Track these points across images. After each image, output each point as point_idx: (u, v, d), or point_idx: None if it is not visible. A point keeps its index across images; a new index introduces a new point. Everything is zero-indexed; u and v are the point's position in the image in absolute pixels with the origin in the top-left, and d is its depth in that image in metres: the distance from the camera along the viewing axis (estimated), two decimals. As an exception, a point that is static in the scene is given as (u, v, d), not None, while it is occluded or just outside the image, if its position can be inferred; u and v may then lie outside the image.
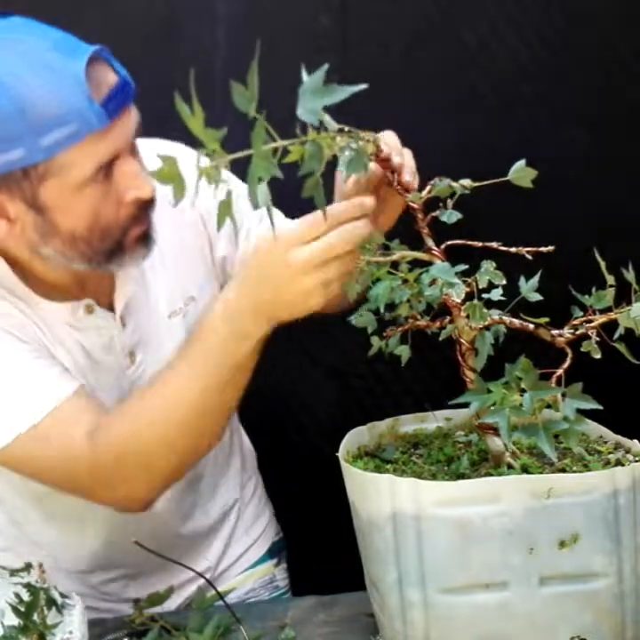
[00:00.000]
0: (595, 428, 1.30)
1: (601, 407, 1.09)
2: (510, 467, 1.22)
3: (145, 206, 1.32)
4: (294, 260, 1.19)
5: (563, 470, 1.21)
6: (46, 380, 1.33)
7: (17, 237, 1.29)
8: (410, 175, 1.27)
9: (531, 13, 2.00)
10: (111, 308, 1.43)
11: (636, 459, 1.22)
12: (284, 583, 1.75)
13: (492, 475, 1.21)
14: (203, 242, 1.51)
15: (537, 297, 1.17)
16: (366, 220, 1.19)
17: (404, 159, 1.28)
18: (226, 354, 1.28)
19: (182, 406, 1.30)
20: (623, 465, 1.19)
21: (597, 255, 1.13)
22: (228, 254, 1.53)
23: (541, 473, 1.20)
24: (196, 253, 1.50)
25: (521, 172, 1.17)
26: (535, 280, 1.18)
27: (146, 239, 1.34)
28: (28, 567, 1.29)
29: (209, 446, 1.40)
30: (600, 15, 2.00)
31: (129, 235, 1.32)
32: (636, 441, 1.25)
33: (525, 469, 1.21)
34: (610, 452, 1.25)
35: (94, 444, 1.31)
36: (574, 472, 1.19)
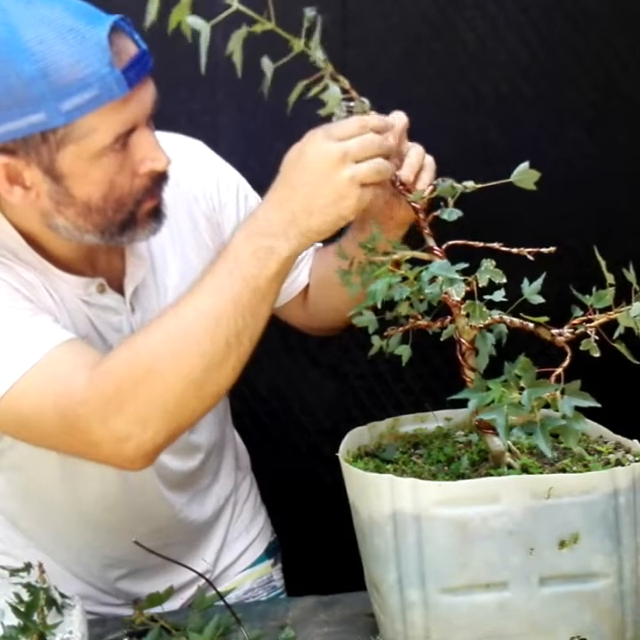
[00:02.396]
0: (595, 428, 1.30)
1: (599, 405, 1.09)
2: (510, 467, 1.22)
3: (158, 179, 1.33)
4: (332, 149, 1.18)
5: (563, 470, 1.21)
6: (47, 328, 1.29)
7: (31, 206, 1.29)
8: (408, 171, 1.27)
9: (531, 13, 2.00)
10: (121, 291, 1.43)
11: (636, 459, 1.22)
12: (280, 583, 1.75)
13: (492, 475, 1.21)
14: (214, 233, 1.52)
15: (539, 299, 1.17)
16: (394, 133, 1.26)
17: (409, 153, 1.28)
18: (249, 274, 1.21)
19: (197, 328, 1.21)
20: (623, 465, 1.19)
21: (598, 254, 1.13)
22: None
23: (541, 473, 1.20)
24: (209, 244, 1.51)
25: (524, 174, 1.17)
26: (538, 282, 1.18)
27: (157, 213, 1.36)
28: (28, 567, 1.29)
29: (217, 395, 1.26)
30: (600, 15, 2.00)
31: (142, 207, 1.33)
32: (635, 441, 1.25)
33: (525, 469, 1.21)
34: (610, 452, 1.25)
35: (93, 372, 1.23)
36: (574, 472, 1.20)
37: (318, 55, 1.13)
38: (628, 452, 1.25)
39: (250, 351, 1.24)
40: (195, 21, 1.04)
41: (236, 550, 1.70)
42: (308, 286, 1.59)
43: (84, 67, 1.19)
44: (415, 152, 1.30)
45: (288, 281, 1.50)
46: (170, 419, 1.24)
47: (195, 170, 1.52)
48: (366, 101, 1.22)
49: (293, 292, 1.58)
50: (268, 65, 1.09)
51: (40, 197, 1.28)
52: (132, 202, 1.31)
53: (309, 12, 1.09)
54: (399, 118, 1.30)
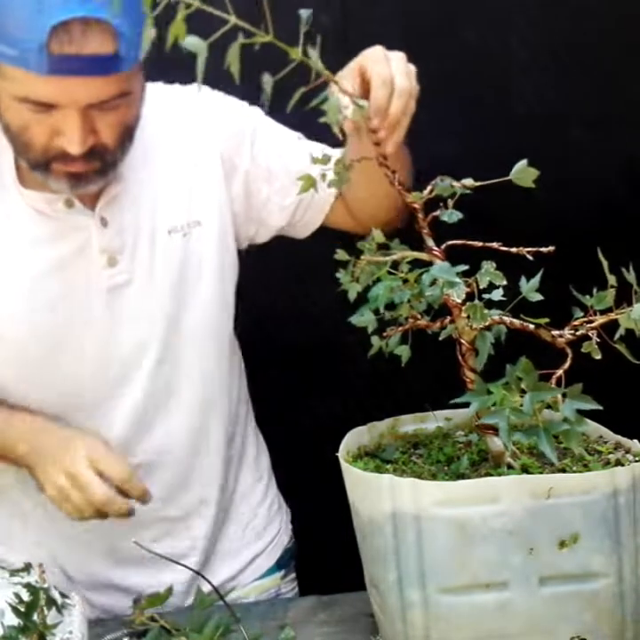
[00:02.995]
0: (595, 428, 1.29)
1: (601, 408, 1.09)
2: (510, 467, 1.22)
3: (79, 156, 1.35)
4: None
5: (563, 470, 1.20)
6: None
7: None
8: (375, 117, 1.25)
9: (531, 13, 2.00)
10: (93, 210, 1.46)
11: (636, 459, 1.21)
12: (291, 595, 1.72)
13: (492, 475, 1.21)
14: (218, 174, 1.53)
15: (538, 297, 1.17)
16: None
17: (372, 93, 1.26)
18: None
19: None
20: (623, 465, 1.19)
21: (601, 255, 1.13)
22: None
23: (541, 473, 1.20)
24: (212, 182, 1.52)
25: (522, 173, 1.17)
26: (536, 280, 1.18)
27: (75, 178, 1.38)
28: (28, 567, 1.29)
29: None
30: (600, 15, 2.00)
31: (53, 165, 1.37)
32: (635, 441, 1.25)
33: (525, 469, 1.21)
34: (610, 452, 1.25)
35: None
36: (574, 472, 1.19)
37: (317, 63, 1.13)
38: (627, 451, 1.25)
39: None
40: (192, 42, 1.04)
41: (245, 557, 1.67)
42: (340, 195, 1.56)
43: (19, 30, 1.25)
44: (375, 87, 1.27)
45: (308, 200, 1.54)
46: None
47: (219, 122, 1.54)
48: (365, 104, 1.21)
49: (324, 205, 1.57)
50: (267, 81, 1.09)
51: None
52: (40, 154, 1.36)
53: (305, 13, 1.09)
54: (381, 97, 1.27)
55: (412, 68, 1.31)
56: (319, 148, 1.53)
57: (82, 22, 1.25)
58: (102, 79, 1.30)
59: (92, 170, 1.38)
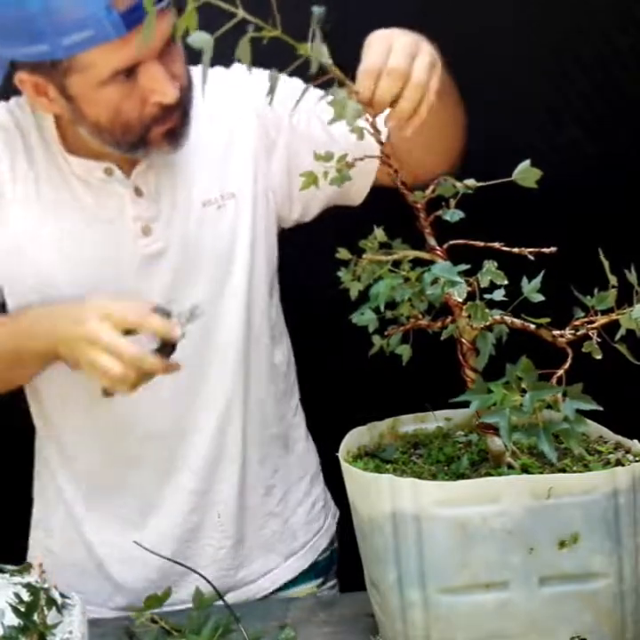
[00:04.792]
0: (595, 428, 1.29)
1: (601, 408, 1.09)
2: (510, 467, 1.22)
3: (171, 108, 1.39)
4: None
5: (563, 470, 1.20)
6: None
7: (57, 113, 1.44)
8: (365, 96, 1.21)
9: (530, 13, 2.00)
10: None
11: (636, 459, 1.21)
12: None
13: (492, 475, 1.21)
14: (256, 148, 1.54)
15: (539, 297, 1.17)
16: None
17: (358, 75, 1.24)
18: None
19: None
20: (623, 465, 1.19)
21: (602, 256, 1.13)
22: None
23: (541, 473, 1.20)
24: (249, 156, 1.53)
25: (525, 173, 1.17)
26: (537, 281, 1.18)
27: (172, 136, 1.42)
28: (28, 567, 1.29)
29: None
30: (600, 15, 2.00)
31: (152, 131, 1.40)
32: (635, 441, 1.25)
33: (525, 469, 1.21)
34: (610, 452, 1.25)
35: None
36: (574, 472, 1.19)
37: (325, 60, 1.13)
38: (628, 452, 1.25)
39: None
40: (198, 37, 1.04)
41: (279, 554, 1.65)
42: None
43: (82, 8, 1.28)
44: (358, 79, 1.23)
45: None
46: None
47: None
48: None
49: (372, 165, 1.53)
50: (273, 76, 1.10)
51: (62, 110, 1.41)
52: (140, 127, 1.39)
53: (317, 11, 1.10)
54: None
55: (417, 49, 1.26)
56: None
57: None
58: (162, 16, 1.31)
59: (180, 120, 1.41)
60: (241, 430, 1.58)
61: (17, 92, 1.47)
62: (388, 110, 1.24)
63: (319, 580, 1.68)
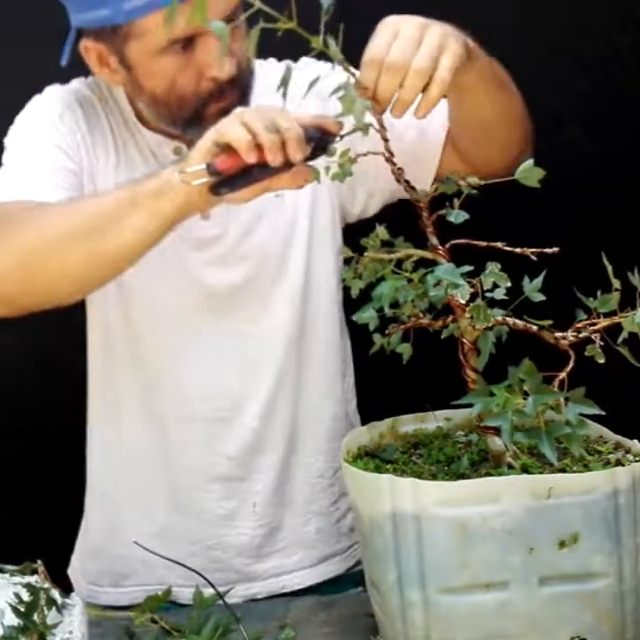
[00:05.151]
0: (595, 429, 1.29)
1: (603, 413, 1.09)
2: (510, 467, 1.22)
3: (227, 85, 1.40)
4: None
5: (563, 470, 1.20)
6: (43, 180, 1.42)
7: (119, 85, 1.48)
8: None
9: (530, 13, 2.00)
10: None
11: (636, 459, 1.21)
12: None
13: (492, 475, 1.20)
14: None
15: (540, 297, 1.17)
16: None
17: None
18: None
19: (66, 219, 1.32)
20: (623, 465, 1.19)
21: (605, 259, 1.13)
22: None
23: (541, 473, 1.20)
24: None
25: (528, 172, 1.17)
26: (539, 280, 1.18)
27: (227, 115, 1.38)
28: (28, 567, 1.29)
29: (61, 285, 1.34)
30: (600, 15, 2.00)
31: (208, 108, 1.41)
32: (635, 441, 1.25)
33: (525, 469, 1.21)
34: (610, 452, 1.25)
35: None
36: (574, 472, 1.19)
37: (337, 54, 1.13)
38: (628, 452, 1.25)
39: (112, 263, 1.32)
40: (215, 25, 1.05)
41: (317, 554, 1.63)
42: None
43: None
44: (362, 66, 1.22)
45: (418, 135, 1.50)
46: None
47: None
48: (368, 103, 1.21)
49: (434, 155, 1.53)
50: (288, 68, 1.10)
51: (122, 81, 1.45)
52: (195, 101, 1.41)
53: (326, 2, 1.10)
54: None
55: (424, 34, 1.24)
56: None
57: None
58: None
59: (237, 101, 1.41)
60: (289, 419, 1.58)
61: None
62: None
63: (359, 589, 1.62)
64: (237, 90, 1.42)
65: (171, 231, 1.31)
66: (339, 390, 1.63)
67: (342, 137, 1.23)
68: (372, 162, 1.30)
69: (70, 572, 1.71)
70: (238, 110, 1.27)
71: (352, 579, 1.62)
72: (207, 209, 1.31)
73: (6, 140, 1.52)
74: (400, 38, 1.22)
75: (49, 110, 1.52)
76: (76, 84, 1.57)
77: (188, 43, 1.36)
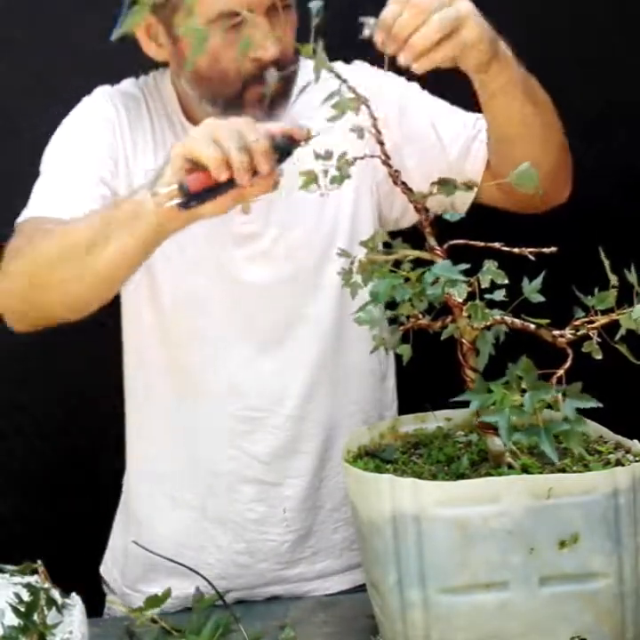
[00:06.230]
0: (595, 428, 1.29)
1: (601, 405, 1.09)
2: (510, 467, 1.22)
3: (270, 68, 1.39)
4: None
5: (563, 470, 1.20)
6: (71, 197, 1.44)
7: (164, 62, 1.50)
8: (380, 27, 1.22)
9: (530, 13, 2.00)
10: None
11: (636, 459, 1.21)
12: None
13: (492, 475, 1.20)
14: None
15: (539, 298, 1.17)
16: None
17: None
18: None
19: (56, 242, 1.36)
20: (623, 465, 1.19)
21: (603, 255, 1.13)
22: None
23: (541, 473, 1.20)
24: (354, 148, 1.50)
25: (524, 174, 1.17)
26: (538, 281, 1.18)
27: (265, 103, 1.41)
28: (28, 567, 1.29)
29: (59, 303, 1.39)
30: (600, 15, 2.00)
31: (249, 90, 1.42)
32: (635, 441, 1.25)
33: (525, 469, 1.21)
34: (610, 452, 1.25)
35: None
36: (574, 472, 1.19)
37: (325, 63, 1.13)
38: (628, 452, 1.25)
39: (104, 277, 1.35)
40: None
41: (342, 563, 1.63)
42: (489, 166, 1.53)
43: None
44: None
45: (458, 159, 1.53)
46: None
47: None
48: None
49: (476, 171, 1.53)
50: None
51: (169, 56, 1.47)
52: (238, 81, 1.42)
53: (315, 6, 1.10)
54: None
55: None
56: (472, 118, 1.54)
57: None
58: None
59: (281, 89, 1.42)
60: (324, 421, 1.58)
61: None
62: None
63: None
64: (282, 80, 1.41)
65: (154, 249, 1.34)
66: (375, 393, 1.63)
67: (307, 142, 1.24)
68: (416, 178, 1.36)
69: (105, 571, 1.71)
70: (208, 121, 1.27)
71: None
72: (184, 226, 1.31)
73: (50, 144, 1.54)
74: None
75: (94, 114, 1.54)
76: (126, 84, 1.59)
77: (236, 22, 1.37)
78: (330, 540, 1.61)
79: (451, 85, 1.39)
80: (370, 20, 1.18)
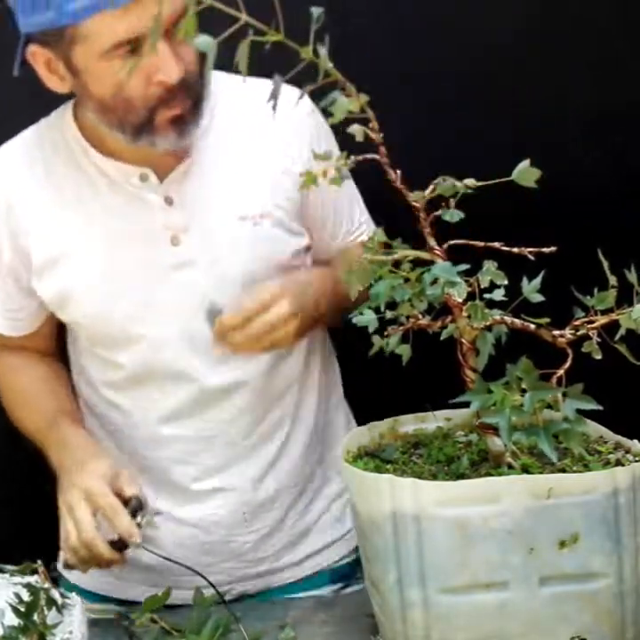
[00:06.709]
0: (595, 428, 1.29)
1: (601, 408, 1.09)
2: (510, 467, 1.22)
3: (177, 90, 1.38)
4: None
5: (563, 470, 1.21)
6: None
7: (67, 91, 1.44)
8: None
9: (531, 14, 2.00)
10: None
11: (636, 459, 1.22)
12: None
13: (492, 475, 1.21)
14: (288, 182, 1.53)
15: (539, 298, 1.17)
16: None
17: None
18: None
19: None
20: (623, 465, 1.19)
21: (601, 256, 1.13)
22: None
23: (541, 473, 1.20)
24: (286, 183, 1.52)
25: (525, 172, 1.17)
26: (537, 281, 1.18)
27: (179, 123, 1.40)
28: (28, 567, 1.29)
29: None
30: (600, 16, 2.00)
31: (158, 115, 1.39)
32: (635, 441, 1.25)
33: (525, 469, 1.21)
34: (610, 452, 1.25)
35: None
36: (574, 472, 1.19)
37: (327, 63, 1.13)
38: (627, 452, 1.25)
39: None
40: (201, 41, 1.03)
41: (304, 549, 1.65)
42: None
43: None
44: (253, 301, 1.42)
45: None
46: None
47: (300, 126, 1.53)
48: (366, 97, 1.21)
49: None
50: (276, 81, 1.10)
51: (72, 88, 1.42)
52: (144, 107, 1.38)
53: (316, 11, 1.10)
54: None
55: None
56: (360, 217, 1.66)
57: None
58: None
59: (189, 109, 1.40)
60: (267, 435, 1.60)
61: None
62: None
63: (338, 585, 1.66)
64: (189, 97, 1.40)
65: None
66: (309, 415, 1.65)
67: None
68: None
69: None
70: (70, 503, 1.43)
71: (328, 574, 1.66)
72: None
73: None
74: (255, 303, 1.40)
75: None
76: (30, 133, 1.55)
77: (135, 45, 1.34)
78: (289, 536, 1.63)
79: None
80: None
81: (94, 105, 1.41)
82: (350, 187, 1.61)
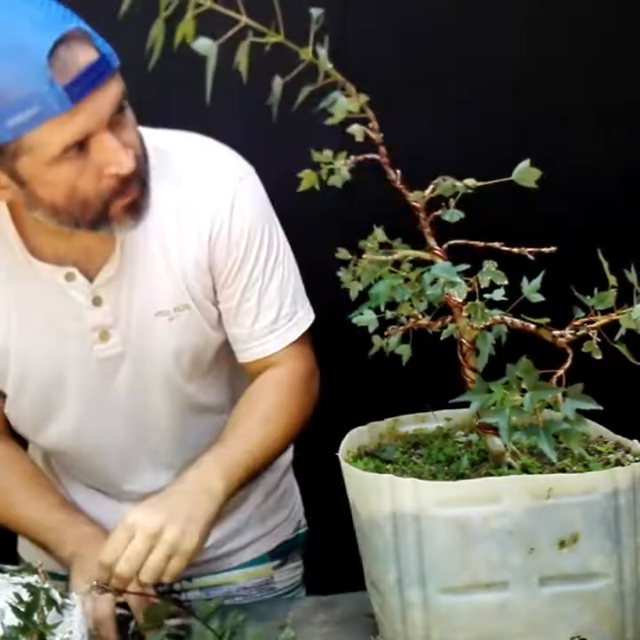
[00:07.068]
0: (595, 428, 1.29)
1: (601, 408, 1.09)
2: (510, 467, 1.22)
3: (128, 179, 1.34)
4: None
5: (563, 470, 1.21)
6: None
7: (11, 201, 1.38)
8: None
9: (531, 14, 2.00)
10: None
11: (636, 459, 1.22)
12: (284, 585, 1.72)
13: (492, 475, 1.21)
14: (205, 257, 1.49)
15: (539, 298, 1.17)
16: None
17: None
18: None
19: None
20: (623, 465, 1.19)
21: (601, 256, 1.13)
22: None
23: (541, 473, 1.20)
24: (202, 268, 1.49)
25: (525, 172, 1.17)
26: (537, 281, 1.18)
27: (133, 209, 1.37)
28: (28, 567, 1.29)
29: None
30: (600, 16, 2.00)
31: (113, 205, 1.35)
32: (635, 441, 1.25)
33: (525, 469, 1.21)
34: (610, 452, 1.25)
35: None
36: (574, 472, 1.20)
37: (326, 64, 1.13)
38: (627, 452, 1.25)
39: None
40: (201, 43, 1.02)
41: (246, 539, 1.70)
42: None
43: (24, 87, 1.23)
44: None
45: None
46: None
47: (212, 193, 1.48)
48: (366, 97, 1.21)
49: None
50: (277, 83, 1.09)
51: (15, 196, 1.35)
52: (99, 202, 1.34)
53: (316, 13, 1.09)
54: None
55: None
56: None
57: (64, 45, 1.24)
58: (108, 84, 1.28)
59: (140, 192, 1.36)
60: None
61: None
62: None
63: (275, 563, 1.72)
64: (138, 182, 1.36)
65: None
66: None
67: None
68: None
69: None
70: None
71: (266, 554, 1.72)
72: None
73: None
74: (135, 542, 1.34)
75: None
76: None
77: (81, 145, 1.29)
78: (230, 526, 1.67)
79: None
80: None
81: (45, 209, 1.35)
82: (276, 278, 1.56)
